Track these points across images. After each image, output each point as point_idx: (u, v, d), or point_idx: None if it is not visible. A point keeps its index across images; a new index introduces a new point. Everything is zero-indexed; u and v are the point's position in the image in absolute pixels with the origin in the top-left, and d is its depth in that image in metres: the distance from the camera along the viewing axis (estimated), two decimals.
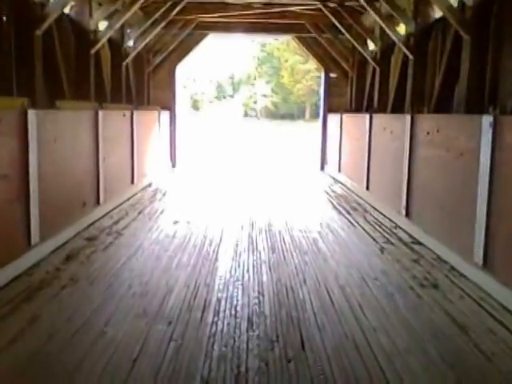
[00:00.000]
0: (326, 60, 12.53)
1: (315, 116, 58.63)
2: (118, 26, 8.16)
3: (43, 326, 3.36)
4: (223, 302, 3.82)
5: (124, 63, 9.78)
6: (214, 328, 3.37)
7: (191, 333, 3.30)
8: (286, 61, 61.94)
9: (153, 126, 10.62)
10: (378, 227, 6.43)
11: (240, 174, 12.29)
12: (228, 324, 3.44)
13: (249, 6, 10.71)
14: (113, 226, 6.27)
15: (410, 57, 7.81)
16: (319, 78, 50.91)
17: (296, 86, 59.91)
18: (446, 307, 3.83)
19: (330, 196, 8.92)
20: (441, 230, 5.22)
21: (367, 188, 8.27)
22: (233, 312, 3.64)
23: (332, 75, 12.63)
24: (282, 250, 5.31)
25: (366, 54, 10.00)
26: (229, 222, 6.68)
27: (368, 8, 8.16)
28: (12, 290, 3.97)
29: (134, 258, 4.96)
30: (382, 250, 5.38)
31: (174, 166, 12.52)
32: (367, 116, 8.40)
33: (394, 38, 8.04)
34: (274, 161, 16.09)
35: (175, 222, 6.56)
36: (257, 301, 3.87)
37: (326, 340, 3.26)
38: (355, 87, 11.90)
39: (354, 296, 4.00)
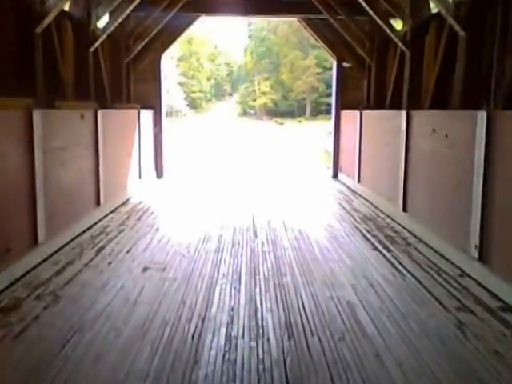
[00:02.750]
0: (338, 47, 10.52)
1: (316, 113, 56.85)
2: None
3: None
4: None
5: (91, 49, 7.78)
6: None
7: None
8: (285, 56, 59.94)
9: (130, 129, 8.64)
10: (436, 275, 4.44)
11: (238, 184, 10.30)
12: None
13: None
14: (52, 280, 4.29)
15: (461, 33, 5.86)
16: (319, 74, 49.00)
17: (296, 83, 57.90)
18: None
19: (353, 217, 6.92)
20: None
21: (404, 209, 6.28)
22: None
23: (345, 65, 10.63)
24: (304, 331, 3.32)
25: (393, 36, 7.98)
26: (222, 267, 4.70)
27: None
28: None
29: (57, 358, 2.96)
30: (460, 326, 3.40)
31: (159, 176, 10.52)
32: (403, 113, 6.41)
33: (439, 8, 6.06)
34: (277, 166, 14.09)
35: (144, 270, 4.58)
36: None
37: None
38: (374, 78, 9.92)
39: None
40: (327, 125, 32.19)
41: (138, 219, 6.69)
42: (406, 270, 4.60)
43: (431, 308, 3.71)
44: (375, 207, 7.51)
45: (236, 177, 11.51)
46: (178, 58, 58.41)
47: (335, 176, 10.76)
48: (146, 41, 10.02)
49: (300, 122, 48.59)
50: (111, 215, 6.86)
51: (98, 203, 6.57)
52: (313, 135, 26.56)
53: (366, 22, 9.96)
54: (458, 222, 4.67)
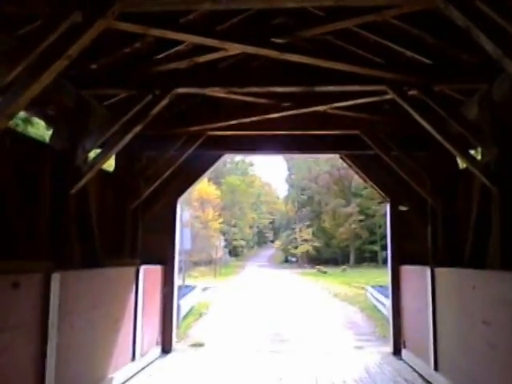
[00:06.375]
0: (391, 186, 8.56)
1: (360, 261, 54.10)
2: (22, 105, 4.44)
3: None
4: None
5: (73, 190, 5.99)
6: None
7: None
8: (327, 204, 59.19)
9: (119, 293, 6.50)
10: None
11: (271, 359, 7.73)
12: None
13: (276, 105, 7.12)
14: None
15: None
16: (362, 221, 47.17)
17: (338, 230, 56.23)
18: None
19: None
20: None
21: None
22: None
23: (402, 208, 8.55)
24: None
25: (473, 168, 5.91)
26: None
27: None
28: None
29: None
30: None
31: (167, 350, 8.09)
32: None
33: None
34: (320, 332, 11.38)
35: None
36: None
37: None
38: (442, 224, 7.65)
39: None
40: (373, 274, 29.46)
41: None
42: None
43: None
44: None
45: (269, 345, 8.93)
46: (221, 207, 58.60)
47: (397, 353, 8.05)
48: (158, 182, 8.34)
49: (344, 270, 45.71)
50: None
51: None
52: (358, 285, 23.92)
53: (423, 155, 8.06)
54: None
